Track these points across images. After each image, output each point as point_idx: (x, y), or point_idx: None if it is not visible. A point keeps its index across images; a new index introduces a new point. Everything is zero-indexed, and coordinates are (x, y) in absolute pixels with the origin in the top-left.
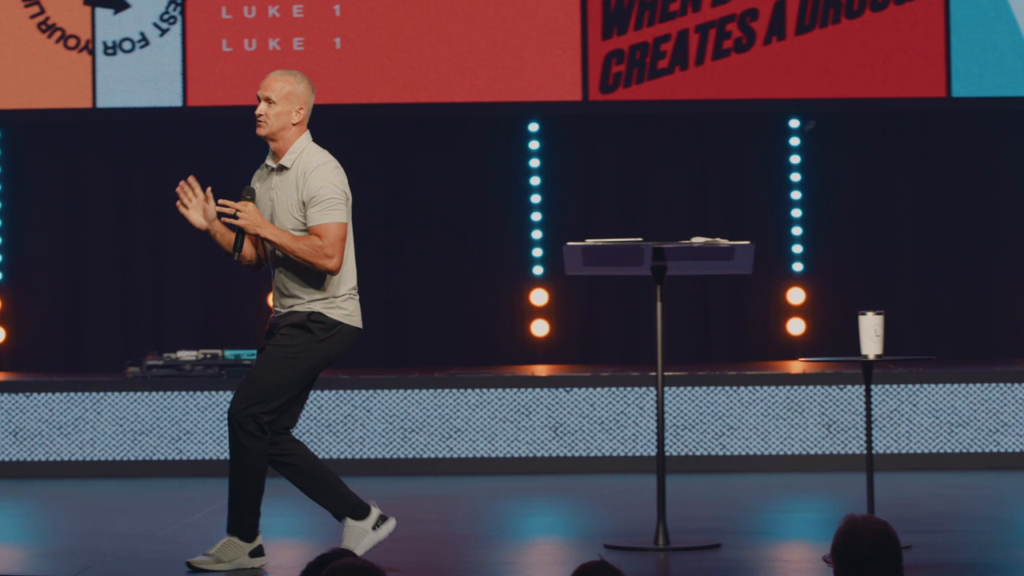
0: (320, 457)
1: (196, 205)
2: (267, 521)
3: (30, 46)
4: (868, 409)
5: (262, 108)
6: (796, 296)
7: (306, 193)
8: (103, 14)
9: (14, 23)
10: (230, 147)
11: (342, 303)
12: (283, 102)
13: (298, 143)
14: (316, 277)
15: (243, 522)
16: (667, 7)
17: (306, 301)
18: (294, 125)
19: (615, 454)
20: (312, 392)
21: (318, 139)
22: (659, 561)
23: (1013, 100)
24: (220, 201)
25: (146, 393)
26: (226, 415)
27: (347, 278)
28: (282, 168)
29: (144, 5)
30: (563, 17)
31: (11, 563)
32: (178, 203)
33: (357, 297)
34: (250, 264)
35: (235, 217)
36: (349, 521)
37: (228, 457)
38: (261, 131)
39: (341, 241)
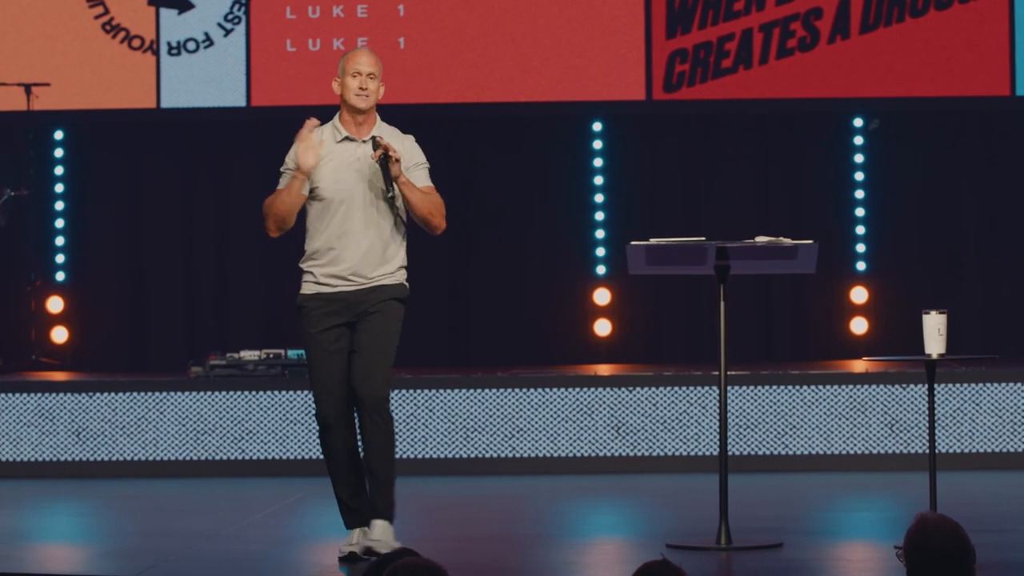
0: None
1: (314, 147)
2: (332, 521)
3: (94, 47)
4: (931, 408)
5: (366, 82)
6: (859, 295)
7: (409, 158)
8: (167, 14)
9: (79, 24)
10: None
11: None
12: (379, 78)
13: (377, 117)
14: (400, 245)
15: (393, 504)
16: (731, 6)
17: (392, 272)
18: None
19: (677, 453)
20: None
21: None
22: (721, 561)
23: None
24: (379, 139)
25: (209, 393)
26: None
27: None
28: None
29: (208, 5)
30: (627, 16)
31: (74, 563)
32: (303, 132)
33: None
34: (283, 225)
35: (385, 158)
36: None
37: (317, 453)
38: (365, 103)
39: None
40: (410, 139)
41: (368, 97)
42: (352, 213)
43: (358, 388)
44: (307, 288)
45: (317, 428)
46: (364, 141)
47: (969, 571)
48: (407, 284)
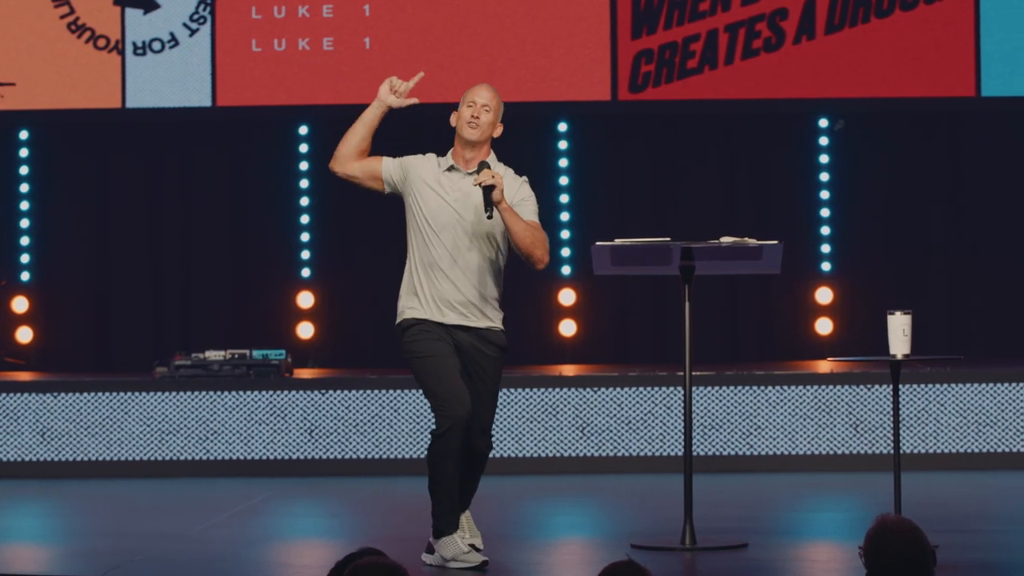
0: (348, 458)
1: (400, 91)
2: (297, 522)
3: (60, 46)
4: (896, 409)
5: (480, 112)
6: (824, 296)
7: (518, 195)
8: (133, 14)
9: (44, 23)
10: (259, 147)
11: None
12: (494, 113)
13: (491, 153)
14: (498, 284)
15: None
16: (697, 7)
17: (495, 309)
18: (492, 137)
19: (642, 454)
20: (339, 392)
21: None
22: (686, 561)
23: None
24: (481, 182)
25: (174, 393)
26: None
27: None
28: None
29: (174, 5)
30: (593, 17)
31: (39, 563)
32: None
33: None
34: (348, 152)
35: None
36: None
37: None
38: (474, 134)
39: None
40: (523, 179)
41: (477, 128)
42: (452, 241)
43: (476, 440)
44: (410, 313)
45: (439, 431)
46: (470, 172)
47: (928, 573)
48: (503, 329)
